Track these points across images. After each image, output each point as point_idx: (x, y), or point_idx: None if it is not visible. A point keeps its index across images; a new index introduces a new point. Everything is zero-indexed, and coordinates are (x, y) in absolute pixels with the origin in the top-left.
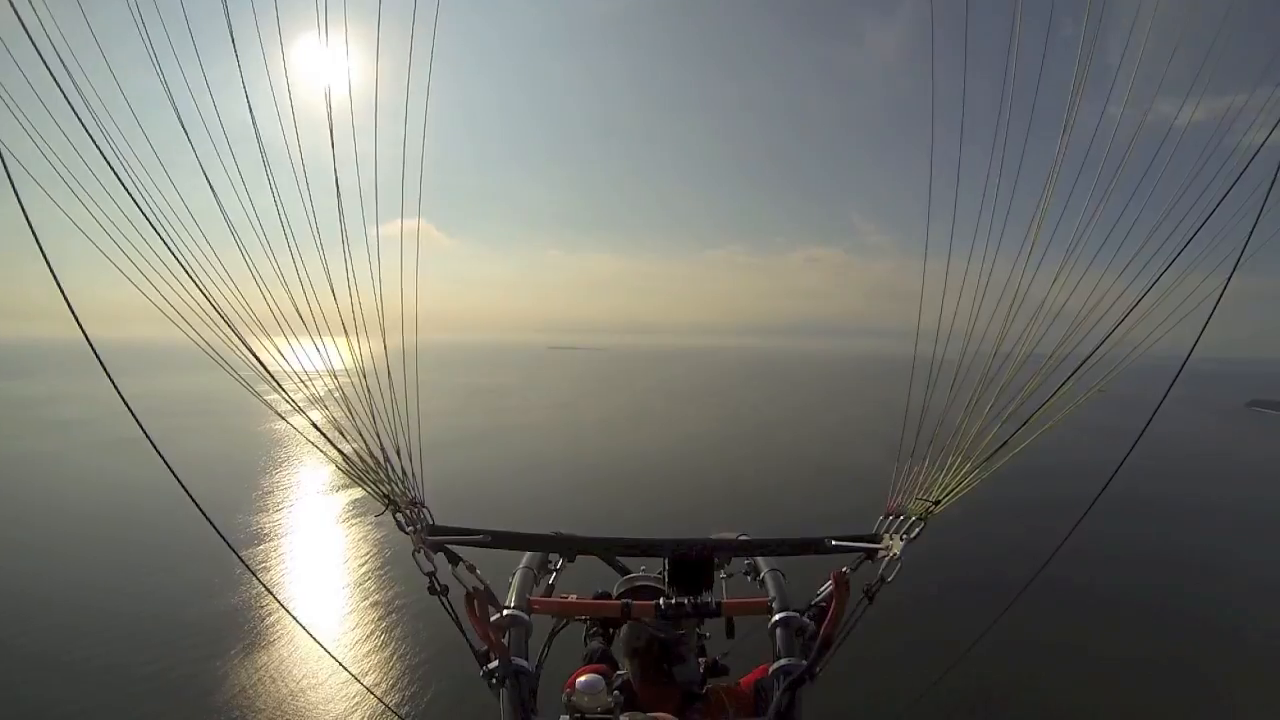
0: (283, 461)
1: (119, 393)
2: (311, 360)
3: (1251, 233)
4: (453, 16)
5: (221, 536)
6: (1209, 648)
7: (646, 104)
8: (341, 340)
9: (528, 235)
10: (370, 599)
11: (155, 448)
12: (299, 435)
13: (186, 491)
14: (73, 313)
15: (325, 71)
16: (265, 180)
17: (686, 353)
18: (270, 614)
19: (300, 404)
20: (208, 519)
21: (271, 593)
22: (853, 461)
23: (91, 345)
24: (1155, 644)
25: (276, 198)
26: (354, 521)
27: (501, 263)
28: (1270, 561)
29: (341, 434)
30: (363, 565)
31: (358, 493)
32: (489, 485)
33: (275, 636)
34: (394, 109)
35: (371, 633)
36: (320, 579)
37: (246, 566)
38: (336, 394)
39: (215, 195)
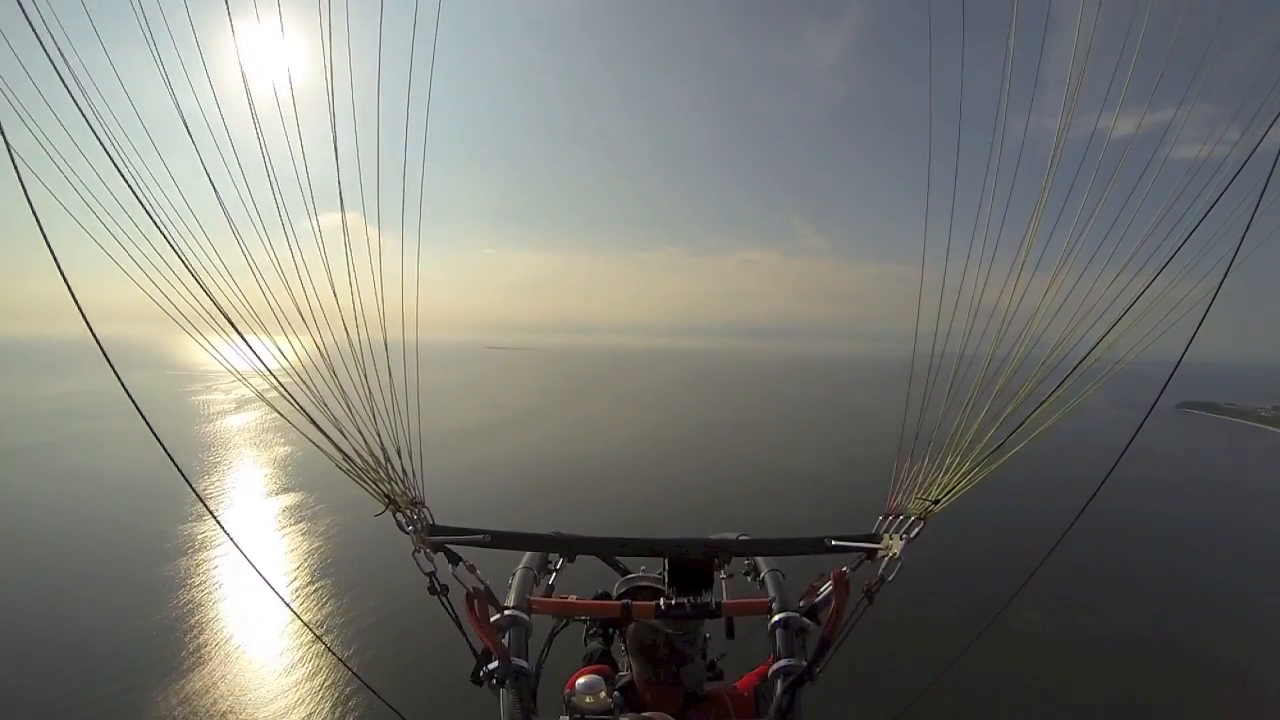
0: (219, 465)
1: (125, 389)
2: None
3: (1242, 239)
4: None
5: (223, 528)
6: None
7: (584, 103)
8: (341, 337)
9: (461, 233)
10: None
11: (161, 443)
12: (301, 435)
13: (190, 484)
14: (81, 311)
15: (265, 65)
16: (243, 176)
17: (623, 353)
18: (198, 631)
19: (301, 403)
20: (212, 514)
21: (271, 586)
22: (799, 464)
23: (99, 342)
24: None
25: (277, 194)
26: (297, 526)
27: (435, 260)
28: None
29: (342, 433)
30: (314, 567)
31: (295, 497)
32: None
33: (209, 654)
34: (320, 102)
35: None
36: (271, 580)
37: (247, 559)
38: (337, 393)
39: (215, 189)
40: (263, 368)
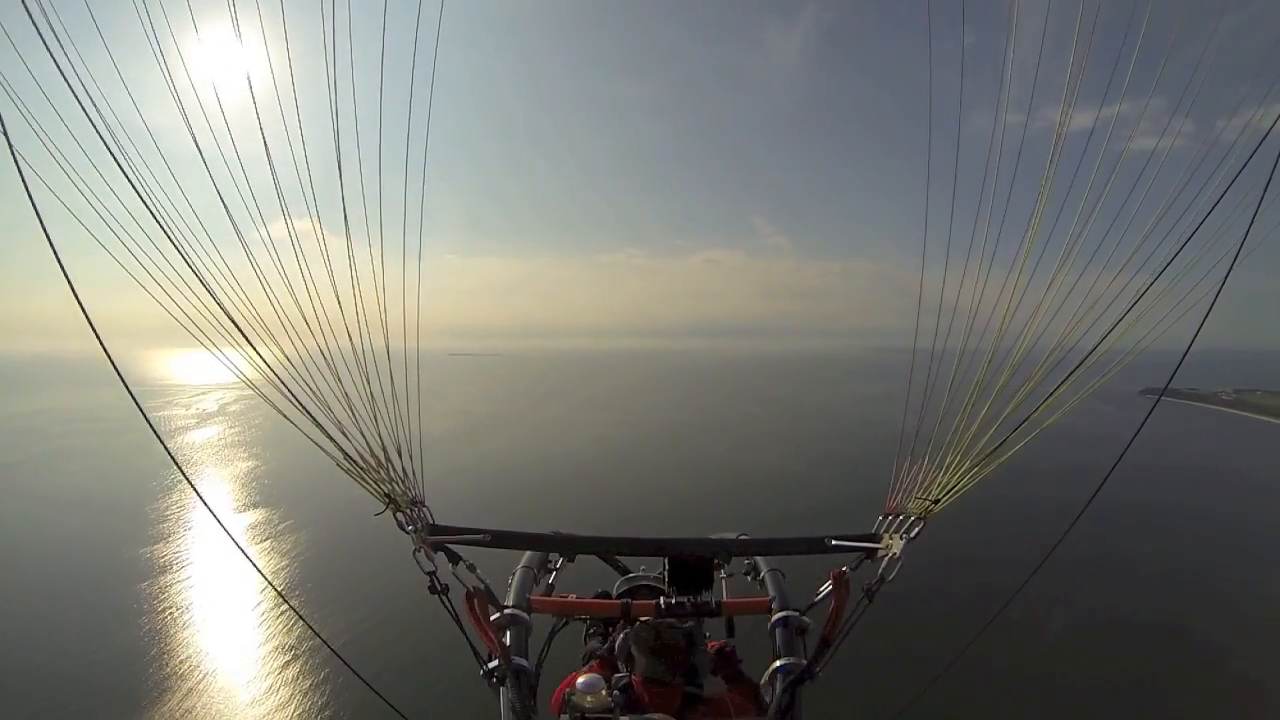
0: (179, 482)
1: (135, 400)
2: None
3: (1246, 235)
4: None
5: (224, 527)
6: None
7: (544, 107)
8: (344, 340)
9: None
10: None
11: (170, 452)
12: (303, 435)
13: (194, 487)
14: (93, 328)
15: (224, 70)
16: (248, 186)
17: (588, 356)
18: (174, 653)
19: (304, 404)
20: (217, 518)
21: (277, 590)
22: (757, 463)
23: (109, 354)
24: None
25: (282, 202)
26: (265, 541)
27: (394, 266)
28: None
29: (344, 433)
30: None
31: (261, 513)
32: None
33: (186, 675)
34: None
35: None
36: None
37: (250, 560)
38: (339, 394)
39: (220, 195)
40: (269, 372)
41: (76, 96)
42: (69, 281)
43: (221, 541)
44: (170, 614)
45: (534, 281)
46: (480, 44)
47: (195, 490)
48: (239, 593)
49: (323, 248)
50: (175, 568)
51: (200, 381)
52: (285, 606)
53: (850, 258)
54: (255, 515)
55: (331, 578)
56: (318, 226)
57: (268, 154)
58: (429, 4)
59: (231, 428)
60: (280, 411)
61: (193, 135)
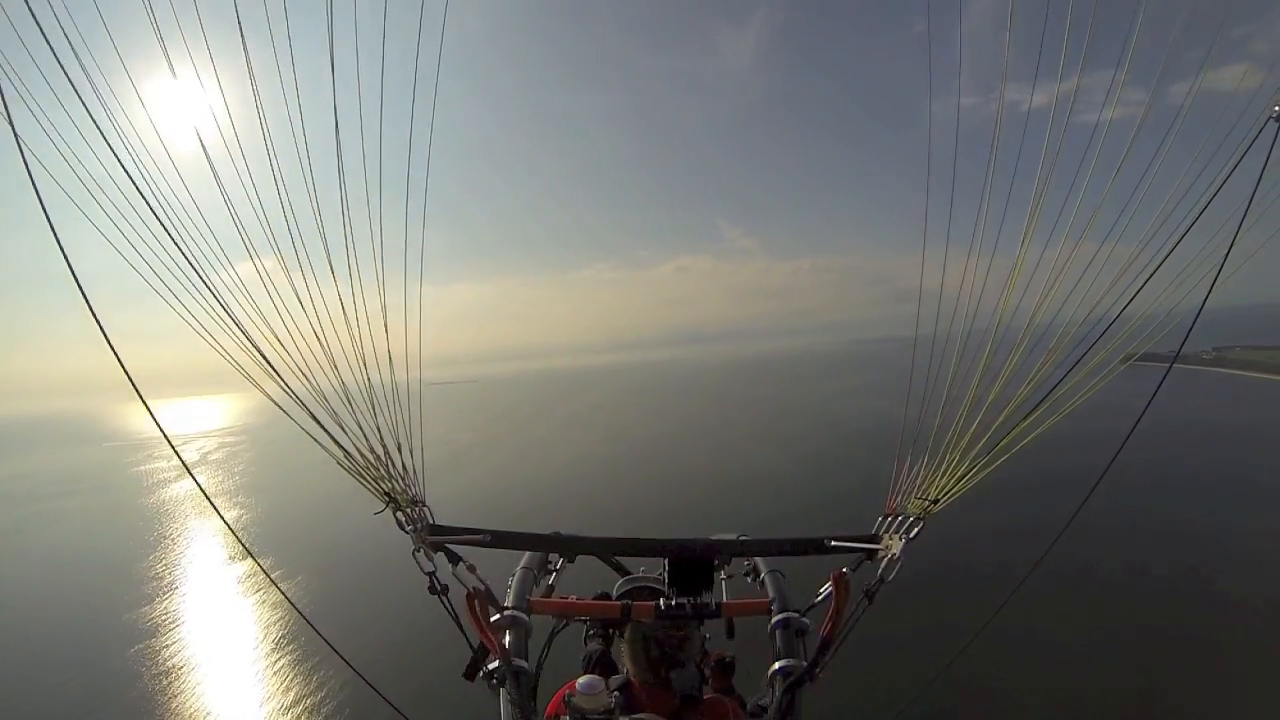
0: (170, 536)
1: (162, 430)
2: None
3: (1240, 228)
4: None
5: (255, 558)
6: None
7: (500, 125)
8: (345, 340)
9: (388, 271)
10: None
11: (198, 483)
12: (305, 435)
13: (226, 521)
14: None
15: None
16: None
17: (567, 374)
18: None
19: (304, 401)
20: (249, 550)
21: (292, 603)
22: (743, 466)
23: (130, 378)
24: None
25: (290, 218)
26: (256, 592)
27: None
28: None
29: (344, 430)
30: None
31: (250, 564)
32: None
33: None
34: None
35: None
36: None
37: (277, 587)
38: (340, 392)
39: (233, 212)
40: (272, 371)
41: (93, 117)
42: (91, 310)
43: (217, 595)
44: (171, 674)
45: (507, 304)
46: (425, 67)
47: (221, 515)
48: (240, 649)
49: (329, 263)
50: (170, 626)
51: (180, 431)
52: (288, 651)
53: (818, 253)
54: (244, 566)
55: (327, 626)
56: (325, 247)
57: (275, 171)
58: (429, 29)
59: (214, 477)
60: (281, 408)
61: (208, 158)
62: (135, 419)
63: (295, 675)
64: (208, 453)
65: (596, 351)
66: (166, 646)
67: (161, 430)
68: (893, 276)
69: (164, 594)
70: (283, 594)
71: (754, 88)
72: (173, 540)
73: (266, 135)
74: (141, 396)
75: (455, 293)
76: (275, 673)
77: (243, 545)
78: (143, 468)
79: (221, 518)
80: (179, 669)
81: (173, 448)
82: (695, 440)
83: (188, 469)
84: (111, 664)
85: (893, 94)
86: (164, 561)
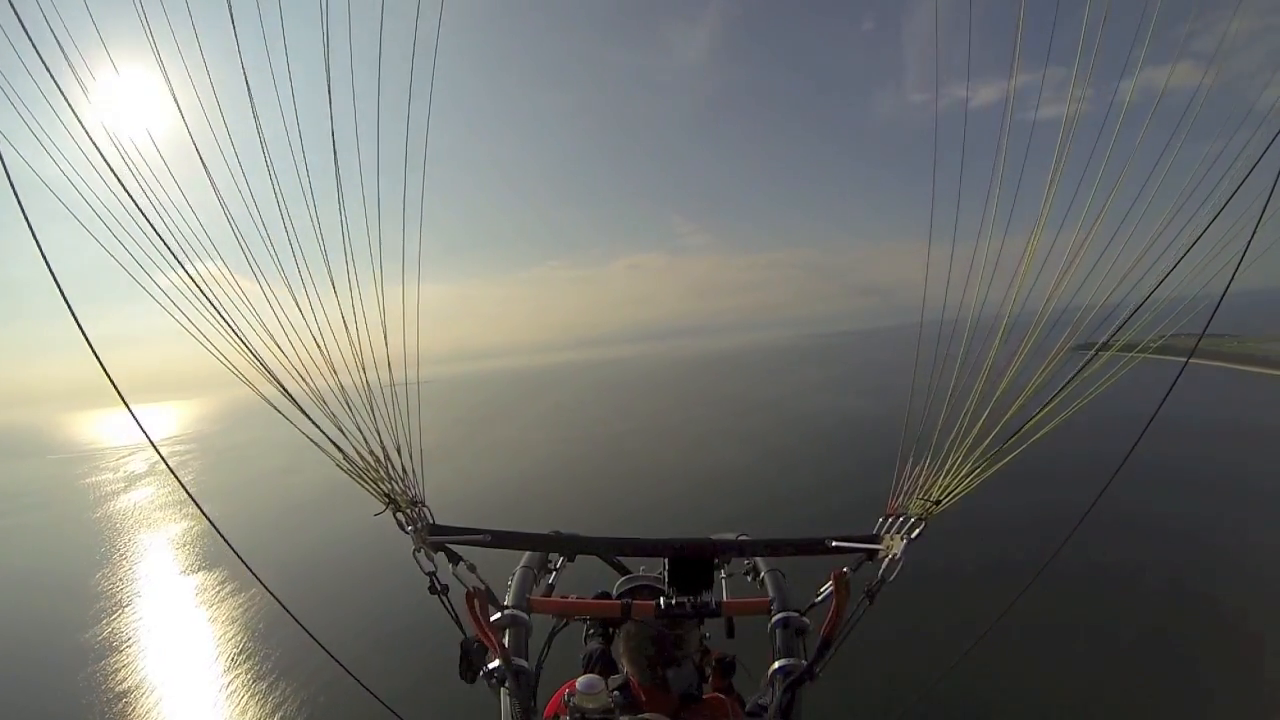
0: (121, 550)
1: (154, 444)
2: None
3: (1256, 228)
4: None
5: (254, 574)
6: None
7: (451, 120)
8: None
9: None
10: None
11: (206, 516)
12: (306, 438)
13: (232, 548)
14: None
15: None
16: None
17: (528, 373)
18: None
19: (303, 406)
20: (249, 569)
21: (276, 597)
22: (718, 461)
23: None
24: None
25: (287, 223)
26: (213, 604)
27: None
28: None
29: (342, 432)
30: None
31: (205, 577)
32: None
33: None
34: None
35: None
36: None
37: (259, 581)
38: (338, 394)
39: (226, 210)
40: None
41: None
42: (76, 318)
43: (173, 609)
44: (129, 695)
45: (468, 304)
46: (387, 65)
47: (209, 519)
48: (198, 665)
49: (325, 261)
50: (124, 645)
51: (127, 442)
52: (246, 666)
53: (774, 249)
54: (198, 579)
55: (288, 640)
56: (322, 246)
57: (270, 169)
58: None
59: (163, 488)
60: (281, 412)
61: (199, 153)
62: (79, 428)
63: (252, 693)
64: (156, 463)
65: (559, 349)
66: (121, 666)
67: (146, 435)
68: (850, 270)
69: (116, 611)
70: (276, 601)
71: (709, 82)
72: (123, 555)
73: (262, 139)
74: (125, 401)
75: (422, 293)
76: (234, 690)
77: (235, 552)
78: (90, 480)
79: (210, 522)
80: (135, 690)
81: (159, 453)
82: (660, 437)
83: (173, 473)
84: (66, 686)
85: (848, 88)
86: (115, 577)
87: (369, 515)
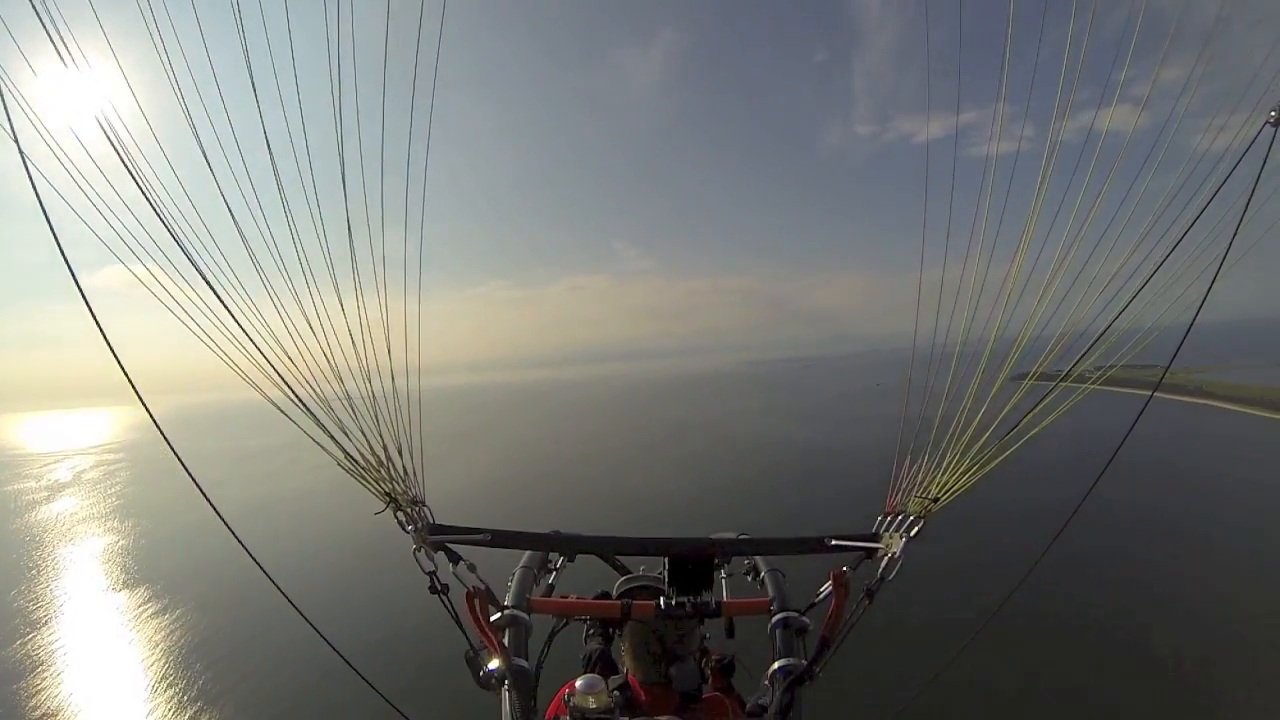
0: (47, 566)
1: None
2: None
3: (1236, 232)
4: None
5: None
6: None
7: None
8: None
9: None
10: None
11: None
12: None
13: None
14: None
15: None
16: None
17: (463, 392)
18: None
19: (305, 403)
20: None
21: (281, 589)
22: (648, 490)
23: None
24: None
25: (292, 226)
26: (140, 622)
27: (226, 320)
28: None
29: (345, 432)
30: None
31: (132, 594)
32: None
33: None
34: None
35: None
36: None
37: (265, 574)
38: (340, 395)
39: (231, 213)
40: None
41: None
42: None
43: (101, 625)
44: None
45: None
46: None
47: (214, 509)
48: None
49: (328, 259)
50: (44, 665)
51: (52, 449)
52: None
53: (717, 274)
54: (125, 597)
55: (219, 661)
56: (325, 244)
57: (273, 164)
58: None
59: (89, 498)
60: (284, 414)
61: (202, 148)
62: (3, 434)
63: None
64: (81, 471)
65: (500, 369)
66: (38, 689)
67: (161, 432)
68: (790, 298)
69: (34, 630)
70: (275, 585)
71: (656, 109)
72: (44, 569)
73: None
74: (140, 396)
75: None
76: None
77: (242, 546)
78: (10, 488)
79: (217, 513)
80: (53, 715)
81: (175, 454)
82: (595, 462)
83: (184, 465)
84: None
85: (795, 118)
86: (34, 594)
87: (307, 527)
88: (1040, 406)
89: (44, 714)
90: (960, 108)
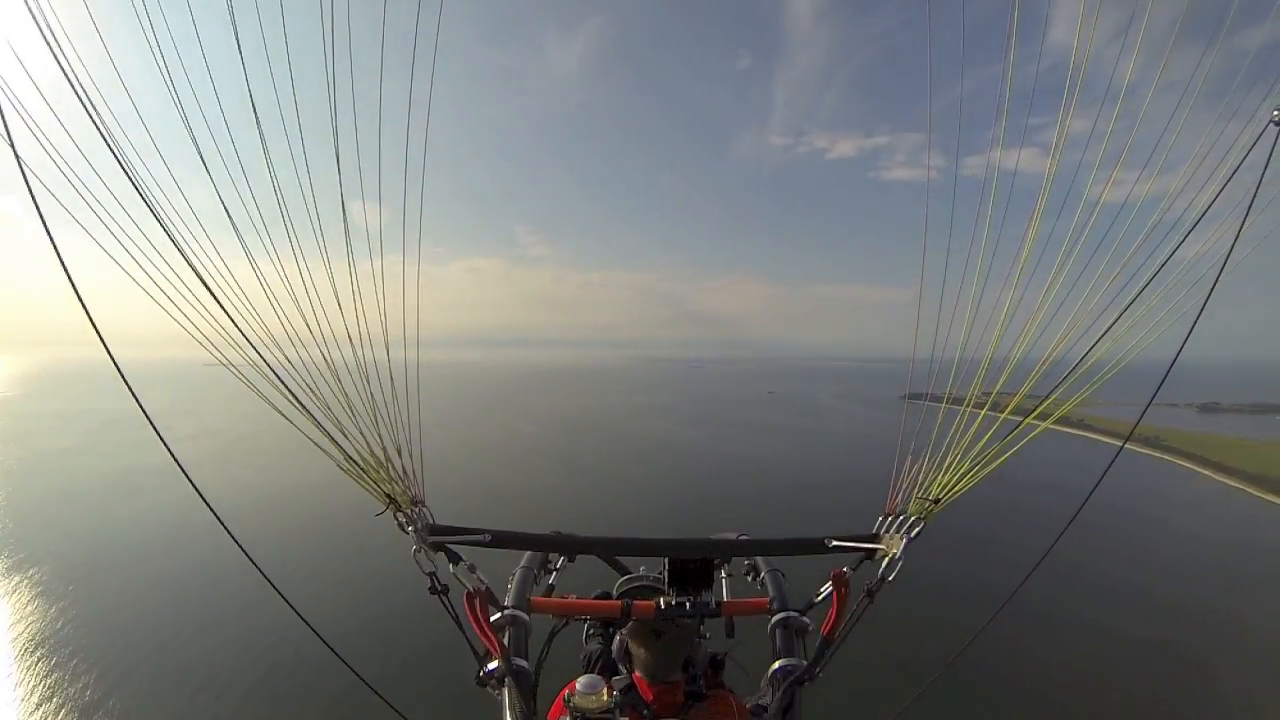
0: None
1: (148, 418)
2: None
3: (1232, 247)
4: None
5: (236, 541)
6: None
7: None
8: (343, 339)
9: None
10: None
11: (187, 476)
12: (306, 437)
13: (207, 504)
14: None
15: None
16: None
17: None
18: None
19: (306, 406)
20: (226, 528)
21: (271, 582)
22: (522, 479)
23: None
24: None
25: (281, 201)
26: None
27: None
28: None
29: (344, 433)
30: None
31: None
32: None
33: None
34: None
35: None
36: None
37: (255, 565)
38: (340, 396)
39: (220, 197)
40: (271, 373)
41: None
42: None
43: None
44: None
45: (296, 291)
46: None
47: (196, 488)
48: None
49: (324, 253)
50: None
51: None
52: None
53: (611, 268)
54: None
55: (80, 635)
56: (321, 240)
57: (268, 159)
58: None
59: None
60: (283, 415)
61: (193, 139)
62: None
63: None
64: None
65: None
66: None
67: (131, 391)
68: (688, 297)
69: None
70: (263, 574)
71: (573, 95)
72: None
73: (266, 147)
74: (106, 345)
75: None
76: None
77: (234, 539)
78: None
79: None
80: None
81: (151, 422)
82: (485, 454)
83: (164, 442)
84: None
85: (710, 122)
86: None
87: (171, 505)
88: (1041, 407)
89: None
90: (872, 130)
